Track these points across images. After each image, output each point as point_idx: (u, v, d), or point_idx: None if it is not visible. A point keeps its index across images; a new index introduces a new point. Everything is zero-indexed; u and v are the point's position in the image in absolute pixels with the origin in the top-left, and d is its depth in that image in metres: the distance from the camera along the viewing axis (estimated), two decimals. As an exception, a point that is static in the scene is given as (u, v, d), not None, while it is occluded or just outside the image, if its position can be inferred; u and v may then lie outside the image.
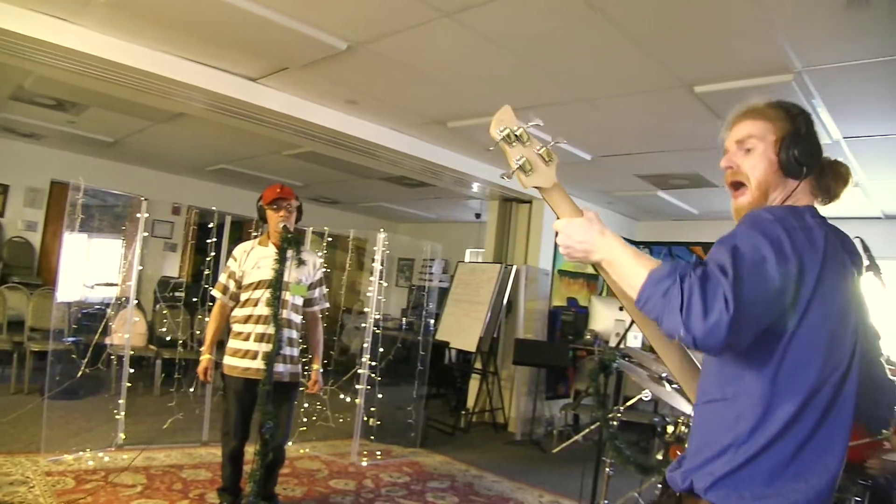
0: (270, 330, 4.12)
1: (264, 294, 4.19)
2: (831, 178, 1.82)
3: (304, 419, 6.74)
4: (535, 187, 1.76)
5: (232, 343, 4.26)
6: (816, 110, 4.91)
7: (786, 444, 1.53)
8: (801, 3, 3.47)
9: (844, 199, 1.87)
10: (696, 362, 1.90)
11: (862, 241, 3.74)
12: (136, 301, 7.08)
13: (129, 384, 5.94)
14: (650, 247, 11.12)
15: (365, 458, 6.34)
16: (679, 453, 2.44)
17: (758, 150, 1.75)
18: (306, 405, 6.81)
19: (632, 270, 1.57)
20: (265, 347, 4.12)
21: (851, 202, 7.94)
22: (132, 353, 6.02)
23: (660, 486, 4.08)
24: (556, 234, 1.73)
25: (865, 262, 3.68)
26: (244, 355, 4.17)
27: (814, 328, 1.56)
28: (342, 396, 6.92)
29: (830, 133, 5.37)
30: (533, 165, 1.74)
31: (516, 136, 1.72)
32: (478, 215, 11.14)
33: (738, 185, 1.80)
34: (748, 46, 4.07)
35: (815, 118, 4.86)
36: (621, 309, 8.52)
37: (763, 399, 1.55)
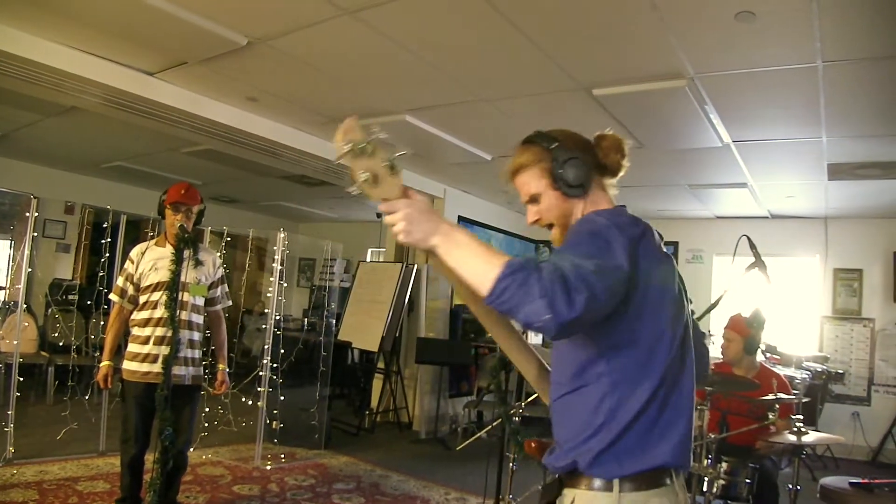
0: (171, 332, 4.03)
1: (163, 296, 4.10)
2: (603, 157, 1.96)
3: (206, 423, 6.59)
4: (383, 199, 1.71)
5: (131, 347, 4.14)
6: (709, 115, 5.12)
7: (650, 414, 1.72)
8: (695, 13, 3.63)
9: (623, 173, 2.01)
10: (546, 364, 2.06)
11: (749, 238, 3.92)
12: (26, 305, 6.78)
13: (19, 394, 5.65)
14: (550, 245, 11.29)
15: (269, 462, 6.26)
16: (533, 444, 2.57)
17: (542, 197, 1.95)
18: (207, 409, 6.67)
19: (481, 261, 1.59)
20: (165, 350, 4.02)
21: (740, 203, 8.31)
22: (22, 360, 5.74)
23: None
24: (389, 214, 1.70)
25: (751, 259, 3.86)
26: (144, 359, 4.07)
27: (656, 309, 1.76)
28: (244, 399, 6.80)
29: (721, 136, 5.61)
30: (379, 178, 1.69)
31: (361, 149, 1.66)
32: (379, 215, 11.02)
33: (549, 226, 2.00)
34: (645, 52, 4.22)
35: (707, 122, 5.08)
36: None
37: (625, 378, 1.73)
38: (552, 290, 1.48)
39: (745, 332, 4.64)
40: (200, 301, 4.32)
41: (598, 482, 1.73)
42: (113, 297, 4.31)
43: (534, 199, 1.97)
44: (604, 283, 1.56)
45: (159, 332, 4.08)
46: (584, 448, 1.74)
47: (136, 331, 4.17)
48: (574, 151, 1.91)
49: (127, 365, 4.11)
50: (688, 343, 1.87)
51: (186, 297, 4.15)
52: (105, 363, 4.19)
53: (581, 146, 1.95)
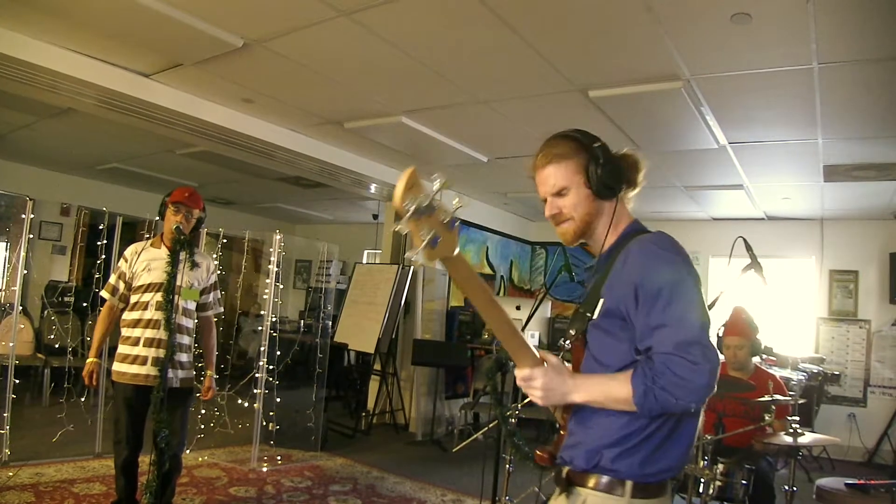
0: (161, 335, 4.00)
1: (154, 298, 4.07)
2: (638, 176, 2.06)
3: (202, 426, 6.58)
4: (443, 258, 1.59)
5: (121, 348, 4.10)
6: (705, 117, 5.13)
7: (668, 427, 1.82)
8: (690, 15, 3.64)
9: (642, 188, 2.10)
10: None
11: (745, 240, 3.91)
12: (22, 307, 6.76)
13: (15, 396, 5.64)
14: (546, 247, 11.34)
15: (265, 464, 6.26)
16: (545, 455, 2.60)
17: (571, 192, 1.97)
18: (203, 411, 6.66)
19: (614, 393, 1.77)
20: (155, 353, 4.00)
21: (736, 204, 8.32)
22: (18, 362, 5.72)
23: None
24: (525, 380, 1.84)
25: (747, 261, 3.85)
26: (133, 361, 4.02)
27: None
28: (240, 401, 6.79)
29: (717, 138, 5.62)
30: (440, 238, 1.53)
31: (426, 207, 1.48)
32: (375, 216, 11.12)
33: (564, 220, 2.01)
34: (640, 54, 4.22)
35: (703, 124, 5.08)
36: (518, 308, 8.68)
37: None
38: (674, 390, 1.66)
39: (750, 335, 4.62)
40: (191, 305, 4.29)
41: (608, 482, 1.84)
42: (104, 294, 4.26)
43: (560, 193, 1.98)
44: (707, 341, 1.71)
45: (149, 333, 4.04)
46: (615, 449, 1.83)
47: (125, 331, 4.12)
48: (612, 156, 1.97)
49: (116, 366, 4.08)
50: None
51: (176, 300, 4.11)
52: (91, 360, 4.14)
53: (614, 154, 2.00)
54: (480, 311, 1.78)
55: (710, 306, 3.79)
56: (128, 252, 4.27)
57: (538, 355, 1.85)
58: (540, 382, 1.81)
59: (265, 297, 6.70)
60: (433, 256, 1.56)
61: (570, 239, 2.02)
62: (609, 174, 1.94)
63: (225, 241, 7.17)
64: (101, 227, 6.31)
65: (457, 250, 1.61)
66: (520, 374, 1.84)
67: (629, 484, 1.81)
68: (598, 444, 1.86)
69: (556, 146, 1.98)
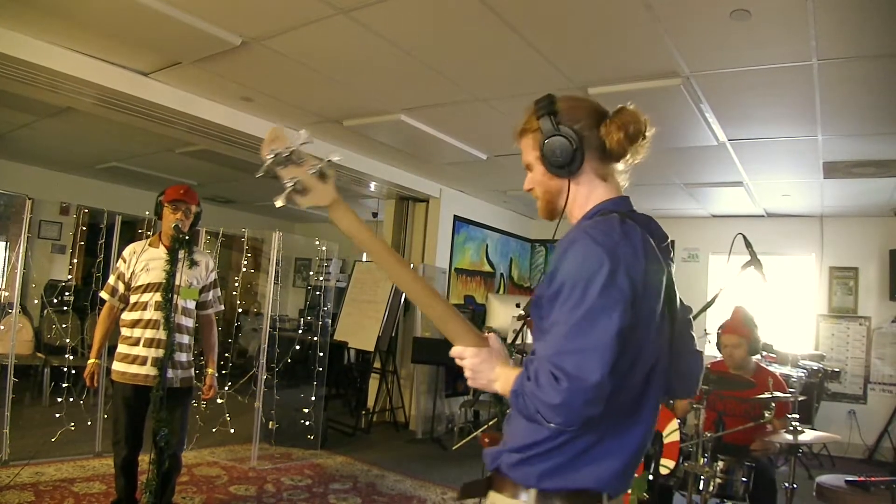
0: (160, 335, 3.99)
1: (153, 297, 4.06)
2: (605, 134, 1.81)
3: (202, 424, 6.57)
4: (317, 206, 1.74)
5: (120, 348, 4.09)
6: (704, 114, 5.12)
7: (585, 441, 1.63)
8: (689, 11, 3.63)
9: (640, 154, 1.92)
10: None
11: (744, 237, 3.91)
12: (22, 306, 6.75)
13: (15, 395, 5.64)
14: (546, 244, 11.34)
15: (265, 463, 6.26)
16: (487, 440, 2.59)
17: (535, 168, 1.87)
18: (204, 409, 6.65)
19: (508, 388, 1.64)
20: (154, 353, 3.99)
21: (736, 201, 8.31)
22: (17, 361, 5.72)
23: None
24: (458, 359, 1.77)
25: (747, 258, 3.85)
26: (133, 361, 4.02)
27: (632, 339, 1.59)
28: (240, 400, 6.79)
29: (717, 135, 5.61)
30: (307, 185, 1.72)
31: (286, 157, 1.70)
32: (374, 214, 11.11)
33: (536, 197, 1.91)
34: (639, 51, 4.22)
35: (702, 121, 5.05)
36: (518, 306, 8.67)
37: None
38: (533, 401, 1.53)
39: (746, 333, 4.60)
40: (191, 304, 4.28)
41: (510, 485, 1.72)
42: (103, 295, 4.25)
43: (528, 168, 1.90)
44: (595, 354, 1.50)
45: (149, 334, 4.04)
46: (515, 455, 1.71)
47: (125, 332, 4.12)
48: (567, 126, 1.77)
49: (115, 366, 4.07)
50: (660, 366, 1.73)
51: (176, 299, 4.10)
52: (92, 361, 4.14)
53: (586, 121, 1.81)
54: (383, 267, 1.82)
55: (709, 304, 3.80)
56: (126, 252, 4.26)
57: (481, 335, 1.77)
58: (467, 363, 1.74)
59: (265, 295, 6.70)
60: (302, 203, 1.74)
61: (543, 215, 1.91)
62: (551, 151, 1.77)
63: (224, 239, 7.16)
64: (100, 227, 6.30)
65: (331, 198, 1.75)
66: (452, 350, 1.75)
67: (533, 492, 1.66)
68: (503, 447, 1.76)
69: (523, 119, 1.88)
